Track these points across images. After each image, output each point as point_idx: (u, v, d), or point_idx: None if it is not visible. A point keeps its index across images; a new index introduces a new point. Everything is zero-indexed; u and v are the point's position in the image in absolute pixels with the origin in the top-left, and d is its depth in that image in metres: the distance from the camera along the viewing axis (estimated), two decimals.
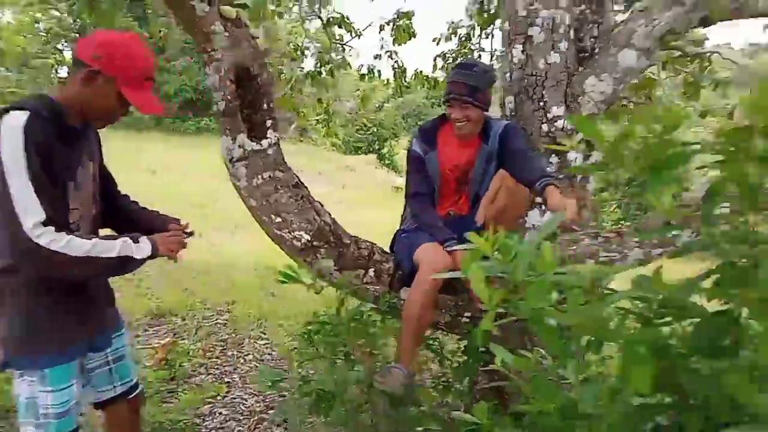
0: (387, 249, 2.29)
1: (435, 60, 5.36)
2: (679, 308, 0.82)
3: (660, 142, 0.77)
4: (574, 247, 2.08)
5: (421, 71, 5.40)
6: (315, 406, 1.83)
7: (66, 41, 18.27)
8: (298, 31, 5.82)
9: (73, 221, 1.47)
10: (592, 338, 0.80)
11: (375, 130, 24.93)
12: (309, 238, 2.07)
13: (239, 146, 2.03)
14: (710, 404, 0.67)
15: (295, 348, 3.31)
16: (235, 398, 3.02)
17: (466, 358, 2.12)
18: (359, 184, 16.45)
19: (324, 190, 11.76)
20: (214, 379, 3.24)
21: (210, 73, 1.97)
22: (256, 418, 2.79)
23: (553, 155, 2.29)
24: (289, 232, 2.06)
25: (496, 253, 0.76)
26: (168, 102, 20.92)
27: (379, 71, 5.55)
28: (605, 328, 0.75)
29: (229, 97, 1.98)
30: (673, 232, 1.87)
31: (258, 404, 2.93)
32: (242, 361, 3.56)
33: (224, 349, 3.73)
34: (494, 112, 2.19)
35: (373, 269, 2.15)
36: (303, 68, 5.25)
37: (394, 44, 5.02)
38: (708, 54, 4.27)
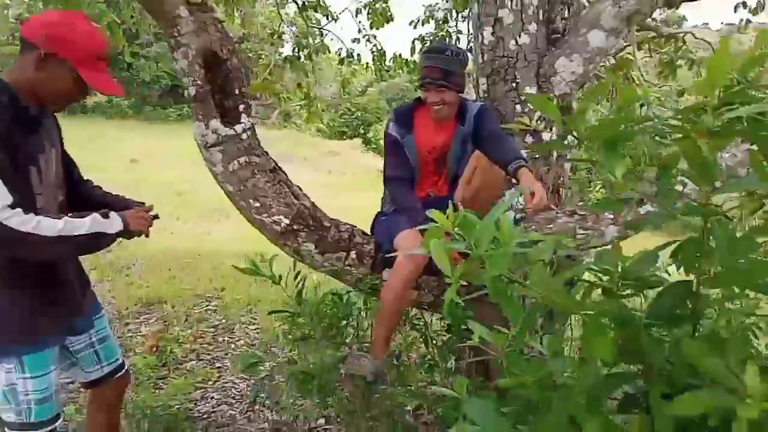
0: (369, 232, 2.34)
1: (413, 43, 5.36)
2: (640, 279, 0.88)
3: (612, 120, 0.83)
4: (551, 226, 2.15)
5: (400, 55, 5.40)
6: (299, 387, 1.89)
7: None
8: (275, 15, 5.77)
9: (40, 207, 1.43)
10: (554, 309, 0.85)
11: (359, 114, 24.80)
12: (288, 222, 2.09)
13: (213, 132, 2.03)
14: (672, 371, 0.71)
15: (285, 331, 3.38)
16: (226, 383, 3.08)
17: (449, 336, 2.20)
18: (344, 169, 16.42)
19: (309, 176, 11.75)
20: (205, 365, 3.30)
21: (178, 58, 1.96)
22: (247, 401, 2.85)
23: (528, 135, 2.35)
24: (269, 216, 2.08)
25: (457, 229, 0.82)
26: (147, 90, 20.49)
27: (359, 55, 5.53)
28: (569, 300, 0.80)
29: (199, 82, 1.97)
30: (640, 209, 1.96)
31: (249, 388, 2.99)
32: (233, 346, 3.62)
33: (215, 335, 3.78)
34: (468, 94, 2.24)
35: (354, 251, 2.18)
36: (282, 53, 5.23)
37: (371, 28, 5.01)
38: (682, 34, 4.34)
